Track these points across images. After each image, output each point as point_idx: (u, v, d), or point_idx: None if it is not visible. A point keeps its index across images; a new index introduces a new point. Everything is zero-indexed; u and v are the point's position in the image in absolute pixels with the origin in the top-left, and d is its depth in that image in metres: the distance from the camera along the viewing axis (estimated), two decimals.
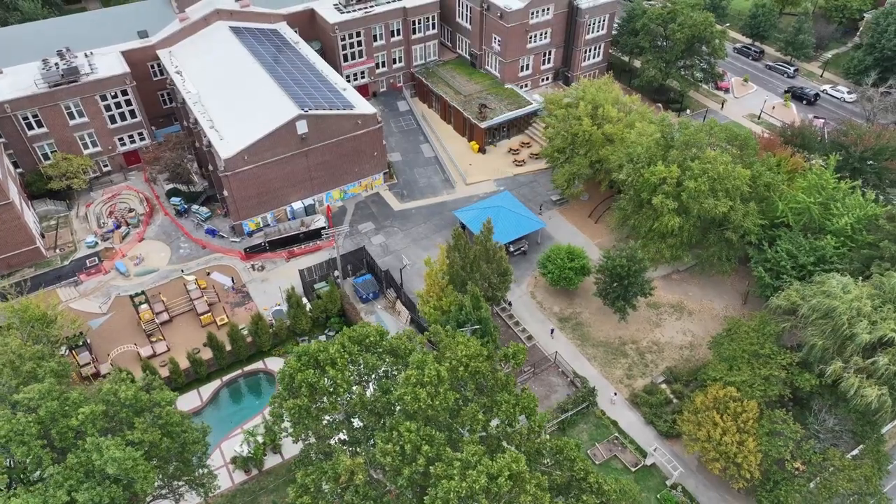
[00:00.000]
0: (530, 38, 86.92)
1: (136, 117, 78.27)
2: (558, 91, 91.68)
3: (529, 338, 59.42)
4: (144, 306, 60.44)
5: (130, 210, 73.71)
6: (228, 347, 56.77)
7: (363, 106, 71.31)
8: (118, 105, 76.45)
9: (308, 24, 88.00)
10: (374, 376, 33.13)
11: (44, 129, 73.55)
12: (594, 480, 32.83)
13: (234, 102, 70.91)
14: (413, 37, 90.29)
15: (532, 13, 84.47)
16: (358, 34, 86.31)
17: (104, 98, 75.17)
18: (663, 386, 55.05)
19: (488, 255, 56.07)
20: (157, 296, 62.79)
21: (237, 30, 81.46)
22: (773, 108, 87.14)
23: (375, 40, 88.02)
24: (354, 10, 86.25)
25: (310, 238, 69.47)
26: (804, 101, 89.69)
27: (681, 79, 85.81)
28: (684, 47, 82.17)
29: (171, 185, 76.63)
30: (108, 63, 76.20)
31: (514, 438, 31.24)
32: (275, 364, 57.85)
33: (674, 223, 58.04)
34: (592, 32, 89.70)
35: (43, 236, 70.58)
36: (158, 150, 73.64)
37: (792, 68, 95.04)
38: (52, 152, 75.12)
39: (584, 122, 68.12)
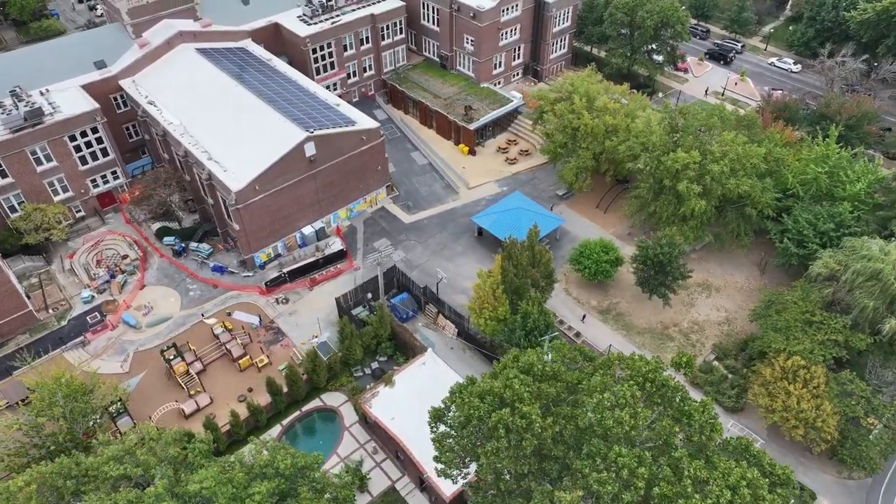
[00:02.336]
0: (502, 35, 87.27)
1: (108, 155, 72.39)
2: (531, 86, 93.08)
3: (577, 334, 60.18)
4: (177, 359, 56.28)
5: (124, 256, 68.18)
6: (286, 389, 53.90)
7: (365, 120, 69.28)
8: (88, 144, 70.42)
9: (273, 38, 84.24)
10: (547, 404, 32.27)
11: (9, 180, 66.66)
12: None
13: (226, 129, 66.99)
14: (382, 43, 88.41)
15: (503, 11, 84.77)
16: (329, 45, 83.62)
17: (73, 138, 69.03)
18: (716, 363, 57.34)
19: (535, 258, 56.19)
20: (184, 345, 58.64)
21: (205, 51, 76.77)
22: (737, 84, 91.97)
23: (346, 50, 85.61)
24: (322, 21, 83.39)
25: (329, 262, 66.96)
26: (721, 62, 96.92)
27: (648, 64, 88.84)
28: (652, 33, 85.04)
29: (159, 225, 71.48)
30: (70, 99, 69.89)
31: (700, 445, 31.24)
32: (332, 400, 55.57)
33: (699, 206, 60.31)
34: (558, 25, 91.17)
35: (29, 297, 63.92)
36: (146, 189, 68.37)
37: (739, 44, 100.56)
38: (19, 203, 68.23)
39: (585, 116, 69.27)
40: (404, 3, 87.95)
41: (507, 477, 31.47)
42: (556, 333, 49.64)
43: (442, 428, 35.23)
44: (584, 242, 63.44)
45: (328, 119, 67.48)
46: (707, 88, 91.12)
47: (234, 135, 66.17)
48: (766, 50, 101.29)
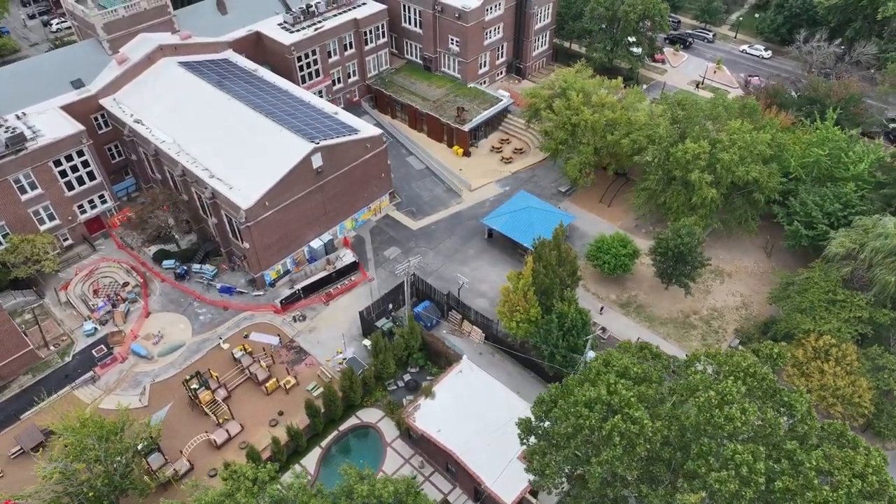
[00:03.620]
0: (486, 34, 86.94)
1: (95, 179, 68.80)
2: (515, 84, 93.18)
3: (603, 329, 60.40)
4: (202, 388, 53.88)
5: (124, 283, 64.91)
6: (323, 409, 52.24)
7: (367, 128, 67.83)
8: (74, 169, 66.77)
9: (254, 48, 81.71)
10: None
11: None
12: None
13: (225, 145, 64.49)
14: (366, 48, 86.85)
15: (487, 10, 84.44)
16: (314, 52, 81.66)
17: (58, 163, 65.30)
18: (741, 348, 58.43)
19: (561, 257, 56.06)
20: (206, 372, 56.20)
21: (188, 65, 73.77)
22: (716, 72, 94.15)
23: (330, 56, 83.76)
24: (305, 28, 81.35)
25: (342, 275, 65.35)
26: (680, 45, 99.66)
27: (630, 57, 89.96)
28: (634, 27, 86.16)
29: (156, 248, 68.37)
30: (50, 122, 66.12)
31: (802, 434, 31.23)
32: (368, 416, 54.17)
33: (711, 194, 61.36)
34: (540, 22, 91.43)
35: (25, 334, 60.14)
36: (142, 212, 65.22)
37: (710, 34, 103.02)
38: (4, 236, 64.18)
39: (585, 112, 69.60)
40: (386, 7, 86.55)
41: (617, 484, 31.10)
42: (594, 333, 49.41)
43: (532, 440, 34.51)
44: (599, 238, 63.71)
45: (330, 128, 65.80)
46: (702, 80, 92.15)
47: (234, 150, 63.74)
48: (735, 38, 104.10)
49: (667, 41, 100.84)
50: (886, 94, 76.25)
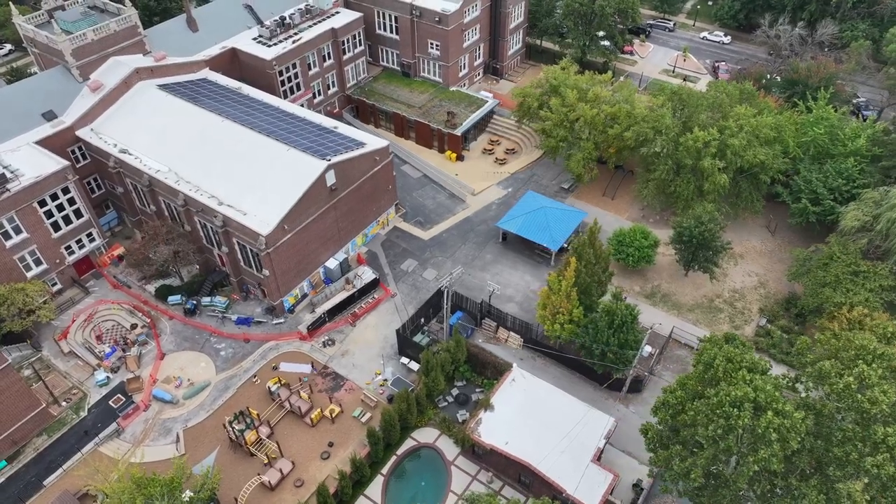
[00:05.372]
0: (465, 36, 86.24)
1: (82, 216, 64.04)
2: (493, 84, 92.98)
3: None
4: (248, 429, 50.86)
5: (132, 326, 60.58)
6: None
7: (373, 140, 65.83)
8: (60, 207, 61.97)
9: (230, 65, 78.10)
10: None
11: None
12: None
13: (227, 169, 61.22)
14: (344, 57, 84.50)
15: (465, 12, 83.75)
16: (294, 66, 78.74)
17: (43, 203, 60.35)
18: (770, 326, 60.11)
19: (597, 255, 56.07)
20: (245, 410, 53.09)
21: (169, 87, 69.67)
22: (685, 60, 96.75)
23: (310, 69, 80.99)
24: (282, 41, 78.33)
25: (364, 294, 63.24)
26: (641, 35, 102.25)
27: (604, 50, 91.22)
28: (609, 21, 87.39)
29: (158, 284, 64.27)
30: (28, 160, 61.15)
31: None
32: (423, 436, 52.49)
33: (723, 180, 62.88)
34: (514, 21, 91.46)
35: None
36: (143, 247, 60.97)
37: (671, 23, 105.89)
38: None
39: (584, 108, 70.00)
40: (362, 15, 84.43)
41: (762, 479, 31.03)
42: (649, 328, 49.62)
43: (675, 447, 33.75)
44: (618, 231, 64.13)
45: (336, 144, 63.50)
46: (672, 68, 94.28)
47: (239, 174, 60.56)
48: (694, 25, 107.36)
49: (629, 33, 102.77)
50: (853, 71, 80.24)
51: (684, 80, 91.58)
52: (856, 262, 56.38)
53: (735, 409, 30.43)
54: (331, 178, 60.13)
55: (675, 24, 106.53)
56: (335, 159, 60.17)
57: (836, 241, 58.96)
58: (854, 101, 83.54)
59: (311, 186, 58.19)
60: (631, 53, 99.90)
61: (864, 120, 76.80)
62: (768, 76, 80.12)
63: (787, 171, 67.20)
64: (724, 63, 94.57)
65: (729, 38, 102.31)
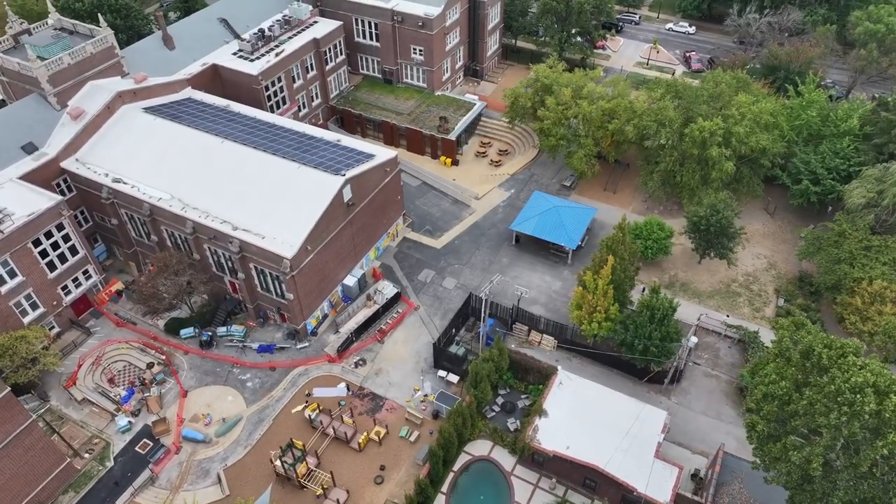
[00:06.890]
0: (447, 39, 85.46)
1: (77, 253, 60.00)
2: (475, 86, 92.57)
3: None
4: (299, 462, 48.62)
5: (149, 365, 57.10)
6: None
7: (381, 152, 64.19)
8: (55, 246, 57.91)
9: (211, 82, 74.77)
10: None
11: None
12: None
13: (236, 193, 58.48)
14: (327, 67, 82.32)
15: (447, 15, 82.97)
16: (279, 79, 76.10)
17: (38, 243, 56.17)
18: (790, 306, 61.81)
19: (627, 251, 56.35)
20: (291, 443, 50.70)
21: (155, 109, 66.14)
22: (658, 52, 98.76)
23: (294, 81, 78.50)
24: (265, 55, 75.60)
25: (387, 309, 61.65)
26: (612, 29, 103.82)
27: (581, 47, 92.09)
28: (587, 18, 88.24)
29: (168, 317, 60.89)
30: (16, 197, 56.97)
31: None
32: (477, 449, 51.41)
33: (729, 167, 64.36)
34: (492, 22, 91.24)
35: None
36: (153, 281, 57.47)
37: (636, 16, 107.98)
38: None
39: (583, 105, 70.39)
40: (342, 23, 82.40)
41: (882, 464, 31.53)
42: (698, 317, 50.17)
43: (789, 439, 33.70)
44: (633, 225, 64.59)
45: (345, 157, 61.61)
46: (646, 61, 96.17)
47: (251, 196, 57.94)
48: (658, 17, 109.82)
49: (602, 27, 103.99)
50: (824, 55, 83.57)
51: (659, 72, 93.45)
52: (867, 237, 58.60)
53: (857, 396, 30.97)
54: (347, 194, 58.32)
55: (640, 17, 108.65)
56: (350, 174, 58.39)
57: (844, 218, 61.13)
58: (822, 83, 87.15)
59: (330, 204, 56.23)
60: (603, 48, 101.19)
61: (833, 100, 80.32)
62: (754, 63, 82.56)
63: (783, 155, 69.36)
64: (694, 53, 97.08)
65: (693, 28, 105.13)
